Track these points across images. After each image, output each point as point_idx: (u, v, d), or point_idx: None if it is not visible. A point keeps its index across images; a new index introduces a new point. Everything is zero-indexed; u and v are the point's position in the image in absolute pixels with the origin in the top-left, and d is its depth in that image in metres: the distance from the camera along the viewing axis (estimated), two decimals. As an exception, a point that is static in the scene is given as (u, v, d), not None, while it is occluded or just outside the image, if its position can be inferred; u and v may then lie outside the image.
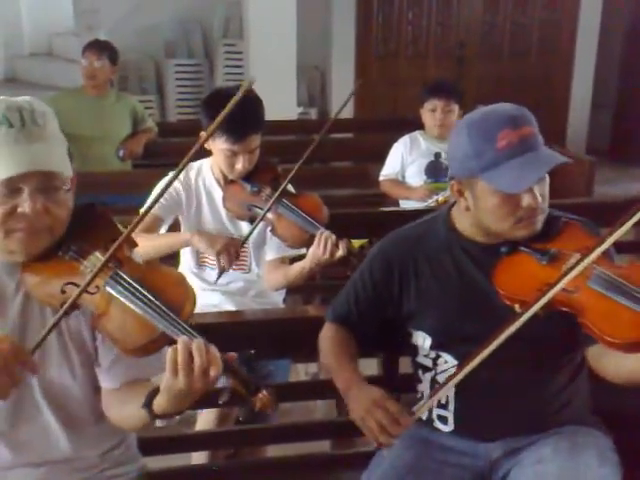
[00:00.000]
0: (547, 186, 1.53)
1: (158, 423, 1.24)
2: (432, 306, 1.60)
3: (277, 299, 2.48)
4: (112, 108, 3.96)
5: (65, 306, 1.21)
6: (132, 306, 1.21)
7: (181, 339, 1.16)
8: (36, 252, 1.30)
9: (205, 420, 2.09)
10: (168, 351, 1.16)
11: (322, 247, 2.10)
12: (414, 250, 1.63)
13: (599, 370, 1.52)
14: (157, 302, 1.20)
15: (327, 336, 1.69)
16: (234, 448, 2.20)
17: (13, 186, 1.25)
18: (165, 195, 2.31)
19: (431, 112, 3.44)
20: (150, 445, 1.71)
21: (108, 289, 1.24)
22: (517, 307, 1.44)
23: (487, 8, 6.36)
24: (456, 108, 3.42)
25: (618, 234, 1.32)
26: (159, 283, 1.25)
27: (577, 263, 1.37)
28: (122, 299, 1.23)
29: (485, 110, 1.52)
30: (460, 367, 1.45)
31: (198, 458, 2.08)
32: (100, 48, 3.91)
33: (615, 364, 1.44)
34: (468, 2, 6.30)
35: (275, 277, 2.34)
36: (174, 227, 2.39)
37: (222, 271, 2.21)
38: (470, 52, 6.41)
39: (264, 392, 1.17)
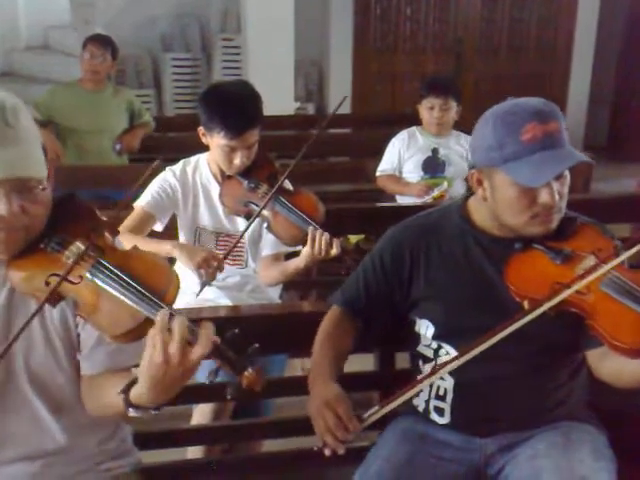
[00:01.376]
0: (567, 186, 1.52)
1: (131, 413, 1.23)
2: (439, 294, 1.60)
3: (273, 294, 2.48)
4: (109, 102, 3.95)
5: (47, 295, 1.21)
6: (117, 294, 1.21)
7: (160, 313, 1.14)
8: (17, 248, 1.29)
9: (200, 414, 2.10)
10: (149, 330, 1.15)
11: (317, 246, 2.10)
12: (426, 237, 1.63)
13: (599, 372, 1.52)
14: (141, 288, 1.20)
15: (328, 322, 1.68)
16: (230, 443, 2.20)
17: None
18: (160, 192, 2.30)
19: (429, 109, 3.44)
20: (145, 439, 1.71)
21: (91, 278, 1.24)
22: (526, 304, 1.43)
23: (485, 4, 6.35)
24: (454, 105, 3.43)
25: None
26: (142, 269, 1.25)
27: (592, 270, 1.37)
28: (106, 287, 1.22)
29: (513, 102, 1.51)
30: (433, 369, 1.46)
31: (194, 452, 2.08)
32: (104, 43, 3.89)
33: (617, 368, 1.44)
34: (466, -2, 6.31)
35: (271, 273, 2.34)
36: (170, 222, 2.38)
37: (204, 284, 2.16)
38: (468, 48, 6.41)
39: (250, 370, 1.18)
